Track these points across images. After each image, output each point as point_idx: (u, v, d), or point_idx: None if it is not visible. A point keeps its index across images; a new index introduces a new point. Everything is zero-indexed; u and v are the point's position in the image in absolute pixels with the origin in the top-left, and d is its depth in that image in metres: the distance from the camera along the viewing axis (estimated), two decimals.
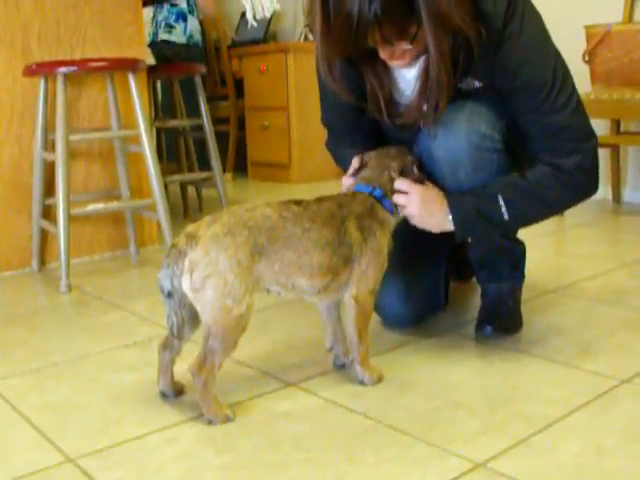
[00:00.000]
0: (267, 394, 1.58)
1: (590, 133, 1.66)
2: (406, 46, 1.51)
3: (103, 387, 1.67)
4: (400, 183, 1.65)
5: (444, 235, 1.73)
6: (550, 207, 1.73)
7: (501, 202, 1.63)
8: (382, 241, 1.59)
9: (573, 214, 3.39)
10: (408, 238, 1.75)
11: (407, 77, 1.69)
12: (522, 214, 1.68)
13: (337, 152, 1.96)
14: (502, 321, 1.87)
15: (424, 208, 1.65)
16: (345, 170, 1.78)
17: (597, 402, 1.49)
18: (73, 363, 1.82)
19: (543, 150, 1.66)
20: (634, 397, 1.51)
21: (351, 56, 1.59)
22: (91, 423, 1.49)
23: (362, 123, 1.85)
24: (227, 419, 1.44)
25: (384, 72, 1.68)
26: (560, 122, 1.63)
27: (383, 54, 1.56)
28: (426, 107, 1.63)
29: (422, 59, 1.59)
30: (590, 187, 1.69)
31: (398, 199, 1.65)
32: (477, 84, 1.65)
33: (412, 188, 1.65)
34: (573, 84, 1.65)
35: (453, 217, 1.65)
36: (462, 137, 1.67)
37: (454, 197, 1.67)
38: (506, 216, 1.64)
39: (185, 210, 3.82)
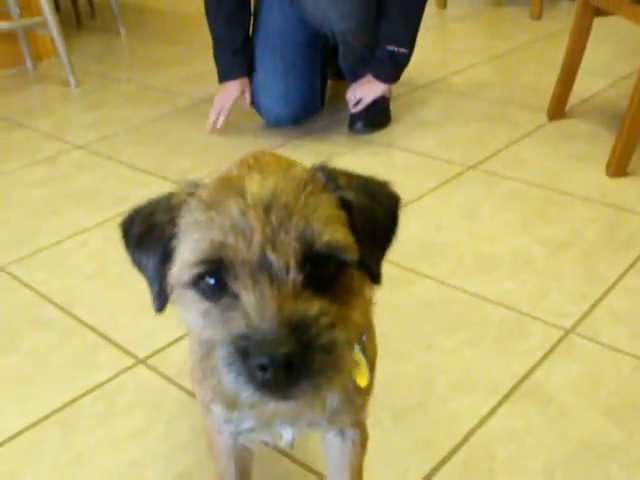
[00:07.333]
0: None
1: None
2: None
3: (17, 203, 1.83)
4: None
5: (319, 42, 1.98)
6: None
7: (397, 49, 1.98)
8: None
9: (456, 4, 3.52)
10: (286, 46, 1.98)
11: None
12: (413, 34, 2.01)
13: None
14: (371, 117, 2.10)
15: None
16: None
17: (443, 187, 1.76)
18: None
19: None
20: (475, 181, 1.79)
21: None
22: (12, 235, 1.67)
23: None
24: None
25: None
26: None
27: None
28: None
29: None
30: None
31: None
32: None
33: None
34: None
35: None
36: None
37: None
38: (407, 50, 1.99)
39: (78, 19, 3.77)
